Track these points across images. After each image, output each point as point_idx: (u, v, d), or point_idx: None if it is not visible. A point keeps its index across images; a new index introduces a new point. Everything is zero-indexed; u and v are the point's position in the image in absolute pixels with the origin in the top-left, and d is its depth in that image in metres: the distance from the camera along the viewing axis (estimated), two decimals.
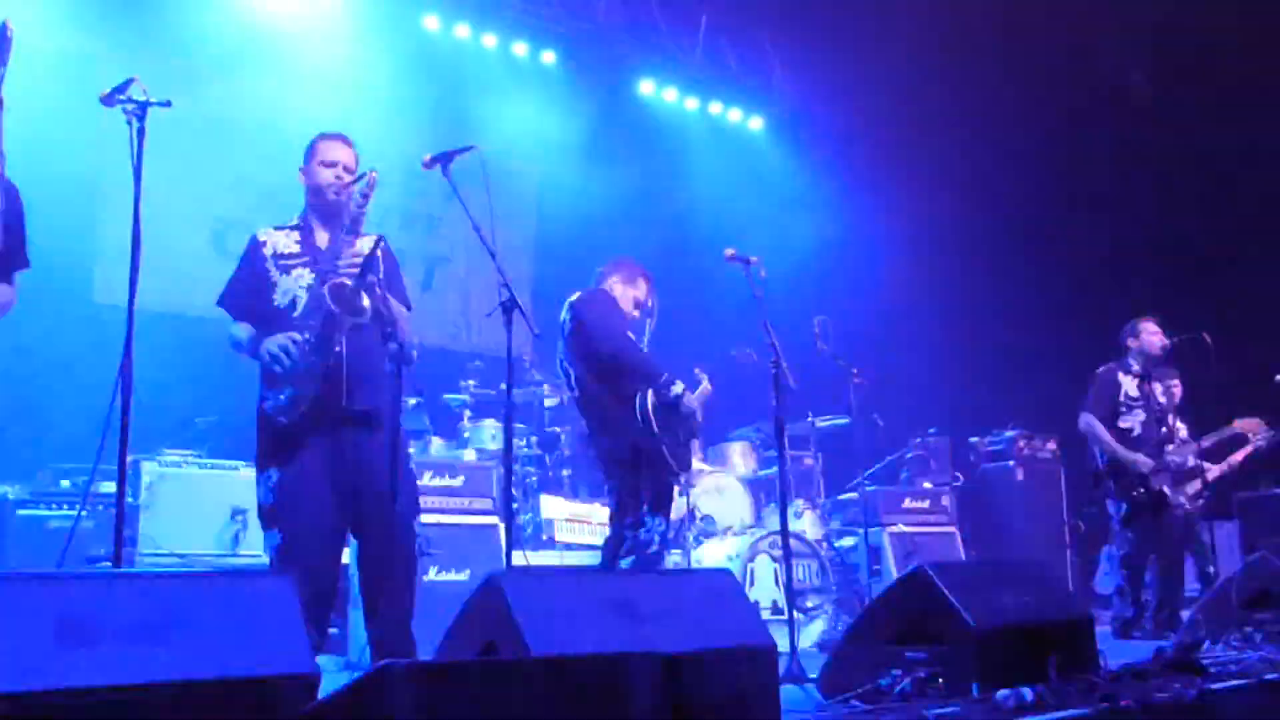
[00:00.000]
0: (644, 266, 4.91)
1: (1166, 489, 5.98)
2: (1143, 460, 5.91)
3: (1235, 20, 8.28)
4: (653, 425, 4.43)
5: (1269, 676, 3.34)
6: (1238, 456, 6.66)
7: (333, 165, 3.68)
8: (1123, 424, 6.01)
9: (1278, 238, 8.66)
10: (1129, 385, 6.08)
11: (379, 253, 3.50)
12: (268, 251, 3.66)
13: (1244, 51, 8.47)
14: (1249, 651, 3.86)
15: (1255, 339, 7.75)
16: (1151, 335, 6.12)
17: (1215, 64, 8.63)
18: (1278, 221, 8.71)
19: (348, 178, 3.65)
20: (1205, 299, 8.33)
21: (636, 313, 4.79)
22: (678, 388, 4.47)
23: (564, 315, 4.67)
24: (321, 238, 3.68)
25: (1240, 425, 6.25)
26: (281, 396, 3.42)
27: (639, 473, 4.46)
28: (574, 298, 4.65)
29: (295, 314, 3.55)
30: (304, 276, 3.60)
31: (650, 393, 4.47)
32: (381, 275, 3.56)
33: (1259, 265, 8.74)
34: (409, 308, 3.80)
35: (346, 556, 3.73)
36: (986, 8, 8.71)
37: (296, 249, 3.65)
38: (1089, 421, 6.01)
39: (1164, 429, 6.11)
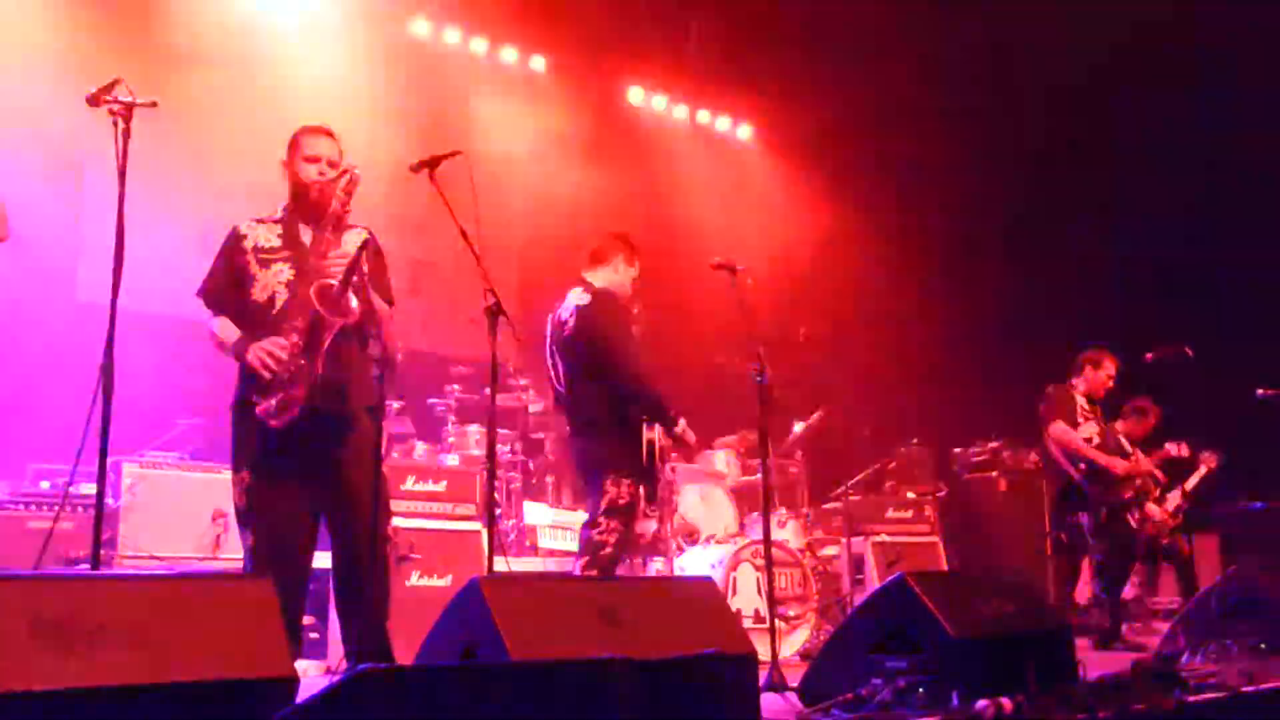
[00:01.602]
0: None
1: (1142, 500, 6.15)
2: (1119, 462, 6.06)
3: (1219, 35, 8.35)
4: (655, 458, 4.50)
5: (1246, 689, 3.35)
6: (1190, 482, 7.02)
7: (315, 160, 3.61)
8: (1082, 434, 6.17)
9: (1261, 252, 8.72)
10: (1081, 401, 6.31)
11: (364, 253, 3.48)
12: (248, 244, 3.60)
13: (1228, 65, 8.53)
14: (1226, 663, 3.88)
15: (1238, 352, 7.80)
16: (1107, 374, 6.36)
17: (1194, 80, 8.69)
18: (1261, 235, 8.77)
19: (331, 173, 3.59)
20: (1189, 311, 8.39)
21: (633, 304, 4.84)
22: (681, 424, 4.53)
23: (566, 316, 4.62)
24: (304, 233, 3.62)
25: (1171, 449, 6.47)
26: (273, 401, 3.39)
27: (622, 476, 4.46)
28: (584, 302, 4.57)
29: (274, 311, 3.51)
30: (283, 272, 3.55)
31: (657, 425, 4.51)
32: (367, 272, 3.54)
33: (1242, 278, 8.80)
34: (392, 303, 3.78)
35: (326, 561, 3.70)
36: (975, 20, 8.76)
37: (278, 243, 3.60)
38: (1063, 429, 6.13)
39: (1116, 441, 6.31)
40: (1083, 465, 6.10)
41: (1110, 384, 6.34)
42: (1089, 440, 6.15)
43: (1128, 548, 6.13)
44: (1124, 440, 6.39)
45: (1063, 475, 6.23)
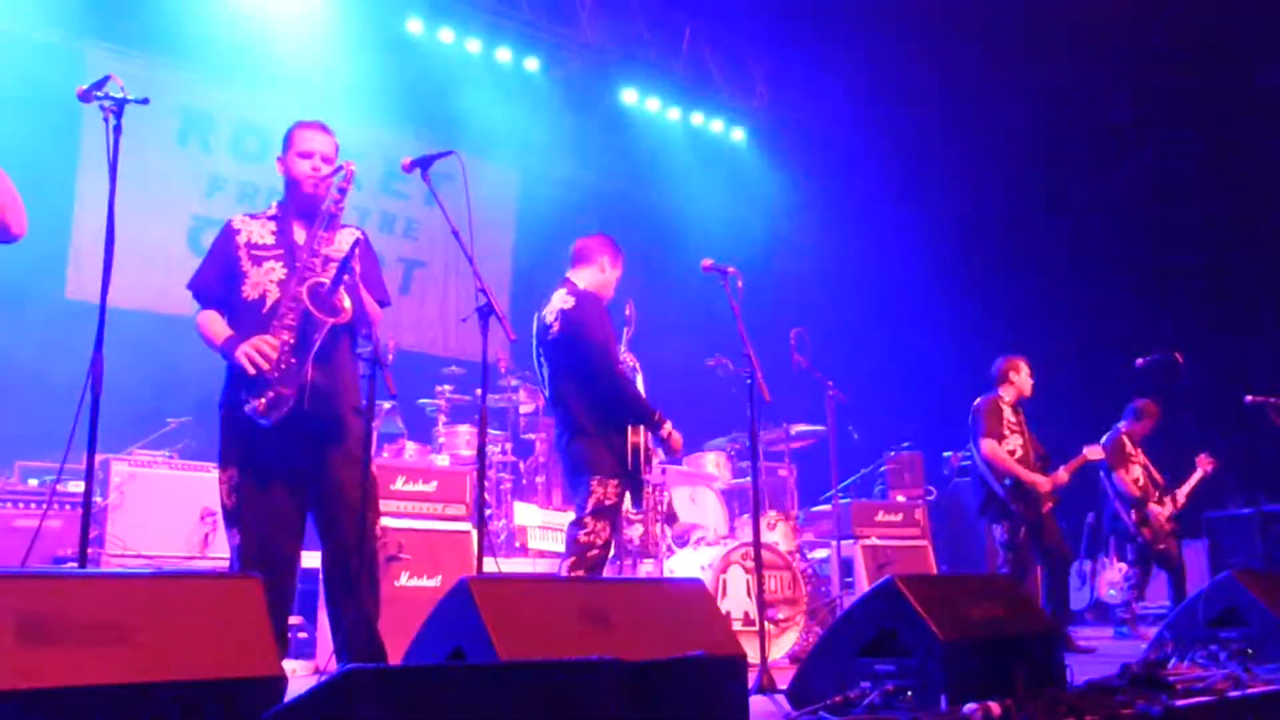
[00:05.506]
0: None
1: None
2: (1042, 480, 6.23)
3: (1210, 42, 8.38)
4: (640, 461, 4.50)
5: (1232, 694, 3.36)
6: (1186, 487, 7.17)
7: (309, 156, 3.60)
8: (1006, 448, 6.32)
9: (1251, 259, 8.76)
10: (1008, 412, 6.43)
11: (356, 251, 3.46)
12: (241, 240, 3.58)
13: (1225, 73, 8.57)
14: (1214, 669, 3.89)
15: (1226, 360, 7.83)
16: (1027, 376, 6.51)
17: (1197, 85, 8.73)
18: (1251, 243, 8.81)
19: (325, 169, 3.58)
20: (1178, 319, 8.42)
21: (626, 305, 4.93)
22: (667, 427, 4.53)
23: (551, 319, 4.62)
24: (298, 230, 3.60)
25: (1089, 452, 6.58)
26: (263, 400, 3.37)
27: (608, 478, 4.46)
28: (568, 305, 4.57)
29: (264, 309, 3.49)
30: (275, 270, 3.53)
31: (642, 429, 4.51)
32: (359, 272, 3.52)
33: (1231, 285, 8.84)
34: (387, 304, 3.76)
35: (314, 560, 3.69)
36: (972, 26, 8.78)
37: (271, 240, 3.58)
38: (992, 447, 6.31)
39: (1038, 453, 6.44)
40: (1007, 481, 6.20)
41: (1031, 384, 6.48)
42: (1012, 454, 6.30)
43: (1033, 559, 6.38)
44: (1038, 446, 6.51)
45: (985, 487, 6.32)
